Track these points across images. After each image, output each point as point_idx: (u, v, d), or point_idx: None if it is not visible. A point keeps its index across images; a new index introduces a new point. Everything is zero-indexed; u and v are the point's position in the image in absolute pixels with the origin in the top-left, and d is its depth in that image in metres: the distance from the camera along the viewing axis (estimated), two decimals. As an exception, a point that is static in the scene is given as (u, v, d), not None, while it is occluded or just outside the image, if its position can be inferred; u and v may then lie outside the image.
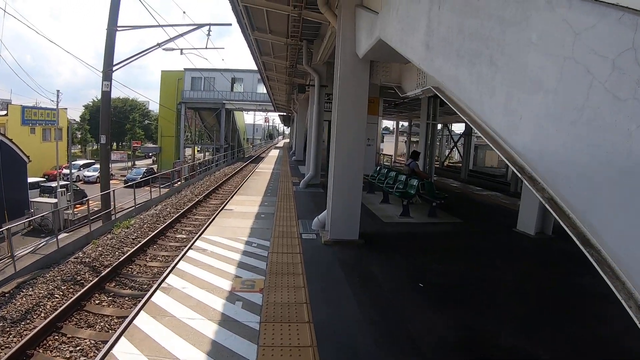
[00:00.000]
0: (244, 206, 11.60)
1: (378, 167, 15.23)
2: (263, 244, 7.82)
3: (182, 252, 9.41)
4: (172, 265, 8.30)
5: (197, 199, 18.66)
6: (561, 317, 5.10)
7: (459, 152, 36.74)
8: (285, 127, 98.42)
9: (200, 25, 19.05)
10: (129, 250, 11.13)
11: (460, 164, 32.68)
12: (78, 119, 67.97)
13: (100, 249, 11.34)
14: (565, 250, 8.01)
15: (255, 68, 23.12)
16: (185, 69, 47.24)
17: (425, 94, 6.28)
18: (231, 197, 14.93)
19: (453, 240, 8.67)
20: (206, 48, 20.98)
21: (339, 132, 7.35)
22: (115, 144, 72.03)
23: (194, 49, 24.40)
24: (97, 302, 8.15)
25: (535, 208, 9.04)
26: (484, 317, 4.96)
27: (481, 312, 5.14)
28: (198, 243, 8.04)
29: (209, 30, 19.60)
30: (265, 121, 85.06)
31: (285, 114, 54.68)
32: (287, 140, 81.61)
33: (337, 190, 7.56)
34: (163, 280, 6.85)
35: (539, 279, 6.58)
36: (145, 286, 8.85)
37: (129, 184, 21.46)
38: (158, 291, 5.73)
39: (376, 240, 8.00)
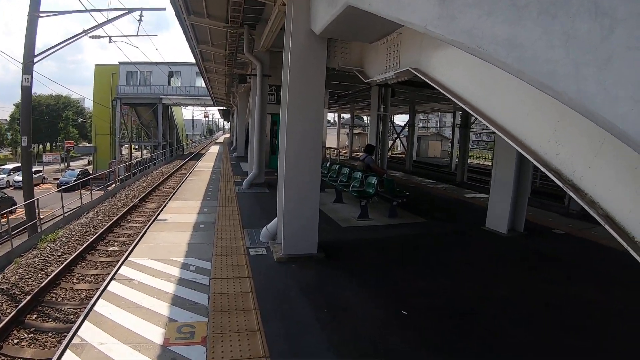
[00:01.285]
0: (180, 214, 9.80)
1: (328, 163, 13.97)
2: (203, 266, 6.22)
3: (103, 286, 7.46)
4: (88, 308, 6.54)
5: (131, 204, 16.52)
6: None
7: (402, 143, 36.66)
8: (225, 122, 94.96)
9: (131, 10, 16.85)
10: (53, 270, 9.14)
11: (404, 155, 32.60)
12: (8, 119, 61.81)
13: (21, 270, 9.12)
14: (549, 251, 7.31)
15: (194, 61, 21.09)
16: (120, 63, 43.39)
17: (399, 78, 5.02)
18: (165, 204, 13.03)
19: (424, 246, 7.47)
20: (137, 35, 18.59)
21: (291, 125, 5.93)
22: (48, 144, 66.10)
23: (124, 36, 21.77)
24: (15, 341, 6.39)
25: (507, 205, 8.17)
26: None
27: (499, 351, 3.94)
28: (123, 270, 6.26)
29: (141, 15, 17.42)
30: (204, 116, 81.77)
31: (225, 108, 52.37)
32: (227, 135, 78.54)
33: (289, 196, 6.11)
34: (75, 334, 5.05)
35: (545, 292, 5.50)
36: (72, 316, 7.23)
37: (62, 188, 18.87)
38: (68, 350, 4.12)
39: (338, 252, 6.63)
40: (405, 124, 32.56)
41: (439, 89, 3.78)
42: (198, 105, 51.16)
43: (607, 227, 2.12)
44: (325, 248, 6.55)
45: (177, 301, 5.06)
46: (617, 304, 5.15)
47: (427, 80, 4.00)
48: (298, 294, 5.08)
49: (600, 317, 4.75)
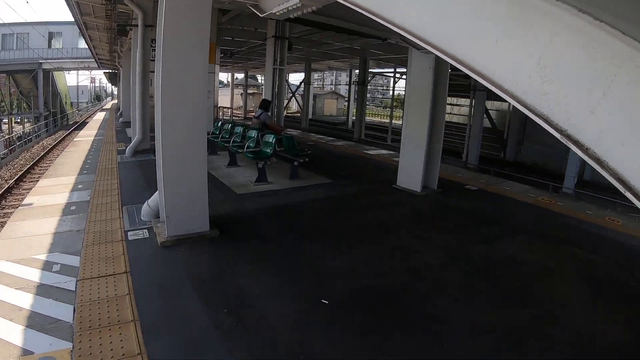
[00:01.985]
0: (49, 195, 7.52)
1: (220, 122, 12.44)
2: (70, 262, 4.55)
3: None
4: None
5: (7, 185, 13.34)
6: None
7: (297, 102, 35.84)
8: (113, 87, 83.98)
9: None
10: None
11: (299, 114, 32.03)
12: None
13: None
14: (469, 208, 7.11)
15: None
16: (-8, 25, 34.56)
17: (305, 7, 3.91)
18: (34, 185, 10.40)
19: (335, 211, 6.68)
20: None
21: (168, 72, 4.49)
22: None
23: None
24: None
25: (421, 163, 7.78)
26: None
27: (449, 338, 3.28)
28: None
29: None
30: (91, 82, 71.15)
31: (110, 71, 45.72)
32: (116, 101, 69.75)
33: (169, 160, 4.77)
34: None
35: (479, 256, 5.12)
36: None
37: None
38: None
39: (235, 227, 5.51)
40: (300, 82, 31.72)
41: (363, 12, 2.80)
42: (82, 69, 44.08)
43: (626, 193, 1.42)
44: (220, 223, 5.39)
45: (34, 320, 3.51)
46: (550, 260, 5.04)
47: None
48: (189, 291, 3.89)
49: (551, 280, 4.53)
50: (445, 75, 7.85)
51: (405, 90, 7.52)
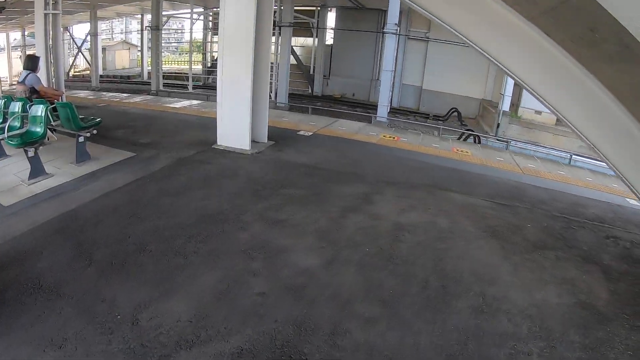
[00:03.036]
0: None
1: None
2: None
3: None
4: None
5: None
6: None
7: (85, 58, 29.52)
8: None
9: None
10: None
11: (89, 72, 26.56)
12: None
13: None
14: (314, 163, 6.15)
15: None
16: None
17: None
18: None
19: (145, 207, 4.69)
20: None
21: None
22: None
23: None
24: None
25: (246, 113, 6.45)
26: None
27: None
28: None
29: None
30: None
31: None
32: None
33: None
34: None
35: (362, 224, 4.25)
36: None
37: None
38: None
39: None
40: (86, 35, 25.97)
41: None
42: None
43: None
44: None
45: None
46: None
47: None
48: None
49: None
50: (270, 6, 6.49)
51: (219, 27, 5.78)
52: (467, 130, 15.56)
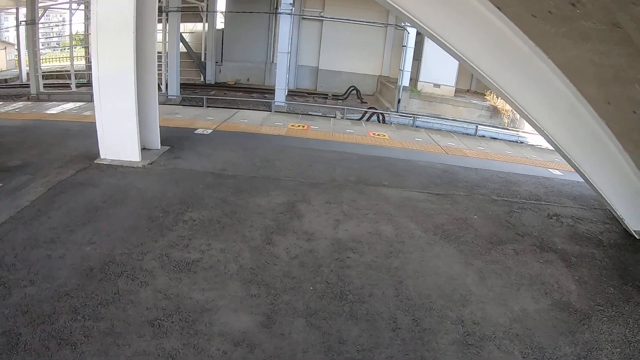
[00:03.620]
0: None
1: None
2: None
3: None
4: None
5: None
6: None
7: None
8: None
9: None
10: None
11: None
12: None
13: None
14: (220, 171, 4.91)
15: None
16: None
17: None
18: None
19: (21, 254, 3.20)
20: None
21: None
22: None
23: None
24: None
25: (131, 117, 5.01)
26: None
27: None
28: None
29: None
30: None
31: None
32: None
33: None
34: None
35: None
36: None
37: None
38: None
39: None
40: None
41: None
42: None
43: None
44: None
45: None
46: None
47: None
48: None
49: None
50: None
51: (91, 13, 4.11)
52: (370, 108, 15.39)
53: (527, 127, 16.46)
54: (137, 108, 5.13)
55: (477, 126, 10.85)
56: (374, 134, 7.76)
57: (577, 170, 4.62)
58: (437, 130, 9.62)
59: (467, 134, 13.86)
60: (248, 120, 8.06)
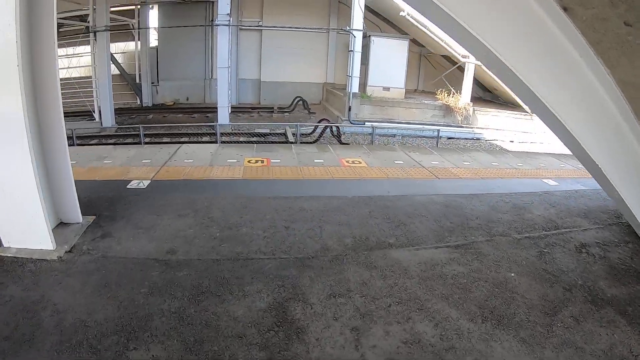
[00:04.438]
0: None
1: None
2: None
3: None
4: None
5: None
6: None
7: None
8: None
9: None
10: None
11: None
12: None
13: None
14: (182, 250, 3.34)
15: None
16: None
17: None
18: None
19: None
20: None
21: None
22: None
23: None
24: None
25: (30, 178, 3.33)
26: None
27: None
28: None
29: None
30: None
31: None
32: None
33: None
34: None
35: None
36: None
37: None
38: None
39: None
40: None
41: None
42: None
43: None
44: None
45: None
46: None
47: None
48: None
49: None
50: (50, 12, 3.44)
51: None
52: (321, 120, 14.24)
53: (480, 123, 16.28)
54: (41, 166, 3.50)
55: (439, 130, 10.13)
56: (348, 162, 6.53)
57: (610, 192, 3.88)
58: (416, 147, 8.61)
59: (428, 137, 13.20)
60: (193, 159, 6.52)
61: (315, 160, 6.57)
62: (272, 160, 6.51)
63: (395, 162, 6.70)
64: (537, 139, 14.95)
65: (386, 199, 4.98)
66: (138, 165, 6.12)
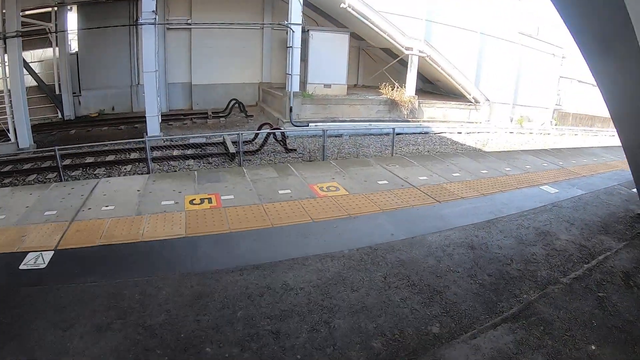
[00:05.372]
0: None
1: None
2: None
3: None
4: None
5: None
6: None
7: None
8: None
9: None
10: None
11: None
12: None
13: None
14: None
15: None
16: None
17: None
18: None
19: None
20: None
21: None
22: None
23: None
24: None
25: None
26: None
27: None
28: None
29: None
30: None
31: None
32: None
33: None
34: None
35: None
36: None
37: None
38: None
39: None
40: None
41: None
42: None
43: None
44: None
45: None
46: None
47: None
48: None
49: None
50: None
51: None
52: (263, 125, 12.56)
53: (425, 116, 15.63)
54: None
55: (394, 129, 9.10)
56: (322, 189, 5.11)
57: None
58: (391, 159, 7.33)
59: (377, 134, 12.18)
60: (114, 203, 4.71)
61: (280, 192, 5.04)
62: (222, 197, 4.87)
63: (379, 182, 5.40)
64: (483, 128, 14.56)
65: (395, 248, 3.64)
66: (39, 222, 4.21)
